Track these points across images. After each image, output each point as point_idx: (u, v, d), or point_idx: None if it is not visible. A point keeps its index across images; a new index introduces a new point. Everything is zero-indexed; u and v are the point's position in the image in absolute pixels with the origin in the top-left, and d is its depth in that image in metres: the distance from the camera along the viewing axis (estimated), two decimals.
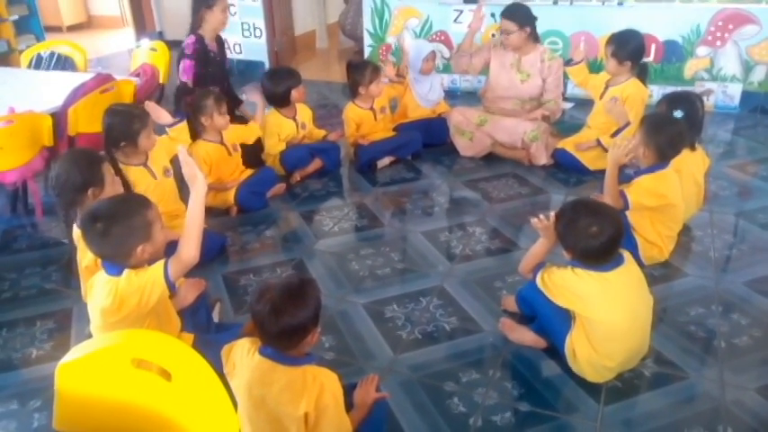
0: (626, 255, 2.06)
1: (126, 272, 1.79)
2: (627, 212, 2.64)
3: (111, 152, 2.65)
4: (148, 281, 1.77)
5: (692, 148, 2.87)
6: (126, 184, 2.59)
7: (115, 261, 1.83)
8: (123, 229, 1.79)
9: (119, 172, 2.58)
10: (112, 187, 2.28)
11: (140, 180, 2.71)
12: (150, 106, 2.90)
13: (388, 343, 2.29)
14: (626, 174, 2.81)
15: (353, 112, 3.89)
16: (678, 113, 2.82)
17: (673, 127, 2.65)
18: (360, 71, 3.81)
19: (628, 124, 3.44)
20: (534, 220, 2.17)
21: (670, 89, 4.33)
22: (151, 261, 1.90)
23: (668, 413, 1.95)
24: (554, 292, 2.05)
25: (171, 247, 1.94)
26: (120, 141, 2.65)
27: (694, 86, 4.78)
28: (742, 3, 4.52)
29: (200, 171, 1.86)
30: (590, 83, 3.79)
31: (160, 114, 2.92)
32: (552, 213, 2.13)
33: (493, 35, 3.96)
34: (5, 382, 2.15)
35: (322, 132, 3.90)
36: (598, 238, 1.94)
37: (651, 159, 2.64)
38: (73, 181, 2.18)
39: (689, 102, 2.93)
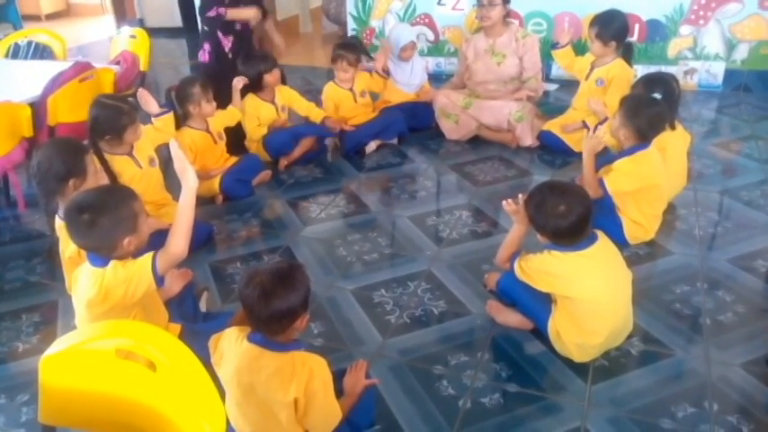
0: (599, 233, 2.08)
1: (112, 263, 1.77)
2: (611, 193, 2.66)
3: (95, 143, 2.61)
4: (135, 273, 1.76)
5: (672, 127, 2.88)
6: (111, 173, 2.56)
7: (101, 253, 1.81)
8: (110, 220, 1.76)
9: (104, 162, 2.55)
10: (95, 178, 2.25)
11: (125, 169, 2.67)
12: (142, 94, 2.87)
13: (377, 328, 2.29)
14: (610, 155, 2.81)
15: (331, 90, 3.90)
16: (657, 95, 2.82)
17: (652, 107, 2.66)
18: (334, 49, 3.89)
19: (607, 119, 3.43)
20: (505, 203, 2.19)
21: (654, 68, 4.36)
22: (135, 252, 1.89)
23: (655, 390, 1.97)
24: (533, 278, 2.06)
25: (157, 237, 1.93)
26: (106, 135, 2.61)
27: (678, 65, 4.79)
28: None
29: (190, 163, 1.84)
30: (576, 66, 3.78)
31: (149, 103, 2.89)
32: (521, 196, 2.16)
33: (476, 16, 3.94)
34: None
35: (320, 113, 3.81)
36: (567, 217, 1.96)
37: (632, 140, 2.64)
38: (55, 170, 2.14)
39: (665, 82, 2.93)
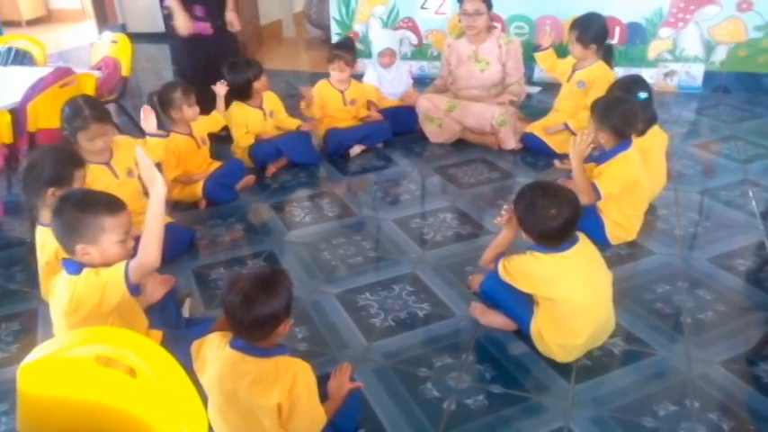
0: (580, 234, 2.09)
1: (85, 270, 1.74)
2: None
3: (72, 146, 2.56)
4: (108, 281, 1.72)
5: (655, 121, 2.91)
6: None
7: (65, 251, 1.79)
8: (72, 218, 1.73)
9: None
10: None
11: (99, 178, 2.59)
12: (145, 111, 2.79)
13: (362, 331, 2.29)
14: (591, 156, 2.83)
15: (322, 86, 3.91)
16: (643, 94, 2.85)
17: (621, 105, 2.68)
18: (331, 49, 3.91)
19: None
20: (497, 220, 2.23)
21: (634, 71, 4.41)
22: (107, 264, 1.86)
23: (637, 389, 1.99)
24: (516, 279, 2.08)
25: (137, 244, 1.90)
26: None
27: (657, 67, 4.85)
28: None
29: (160, 172, 1.81)
30: (558, 68, 3.82)
31: (148, 120, 2.81)
32: (506, 207, 2.19)
33: (459, 21, 3.96)
34: None
35: (295, 122, 3.82)
36: (557, 219, 1.97)
37: (612, 141, 2.66)
38: (37, 174, 2.12)
39: (643, 82, 2.97)
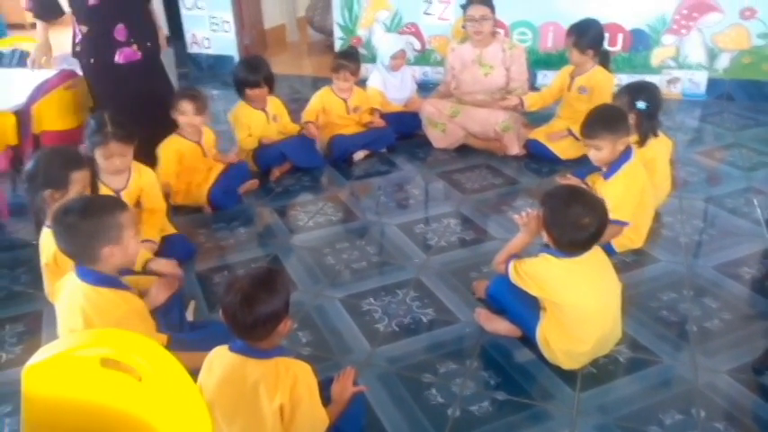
0: None
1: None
2: None
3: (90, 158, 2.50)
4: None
5: (655, 134, 2.90)
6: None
7: (84, 262, 1.79)
8: (91, 226, 1.75)
9: (94, 176, 2.46)
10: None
11: None
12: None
13: (366, 336, 2.28)
14: (591, 165, 2.81)
15: (325, 94, 3.89)
16: (641, 104, 2.84)
17: (609, 109, 2.72)
18: (334, 57, 3.87)
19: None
20: (517, 217, 2.20)
21: (638, 77, 4.39)
22: (121, 269, 1.87)
23: (643, 398, 1.98)
24: (526, 282, 2.07)
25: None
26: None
27: (661, 74, 4.85)
28: None
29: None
30: (554, 86, 3.82)
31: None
32: (530, 209, 2.16)
33: (463, 27, 3.97)
34: None
35: (297, 127, 3.81)
36: (588, 229, 1.94)
37: (618, 149, 2.61)
38: (34, 175, 2.12)
39: (649, 91, 2.96)
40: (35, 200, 2.15)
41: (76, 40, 3.14)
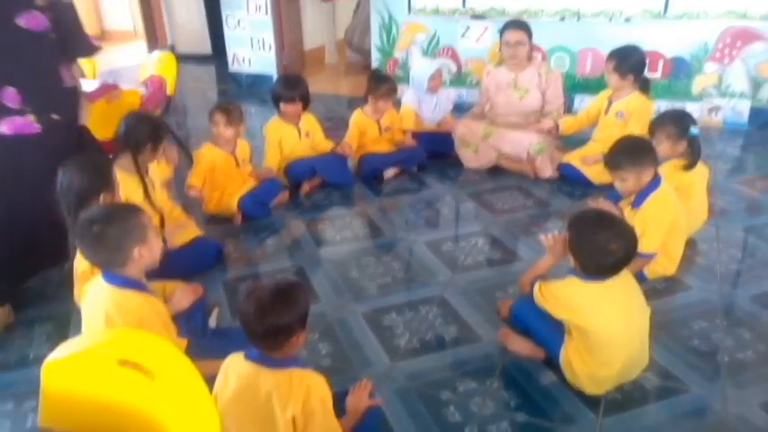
0: None
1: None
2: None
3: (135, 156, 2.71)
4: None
5: (694, 164, 2.84)
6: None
7: (113, 268, 1.83)
8: (119, 230, 1.80)
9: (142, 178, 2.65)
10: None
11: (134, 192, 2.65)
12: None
13: (386, 351, 2.26)
14: (614, 192, 2.76)
15: (359, 118, 3.91)
16: (695, 129, 2.79)
17: (635, 140, 2.67)
18: (376, 82, 3.86)
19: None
20: (543, 238, 2.17)
21: (678, 105, 4.34)
22: (149, 269, 1.91)
23: (668, 427, 1.91)
24: (551, 304, 2.02)
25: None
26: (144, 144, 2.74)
27: (702, 102, 4.76)
28: (750, 20, 4.50)
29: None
30: (591, 109, 3.79)
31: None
32: (557, 232, 2.13)
33: (500, 50, 3.98)
34: (2, 382, 2.16)
35: (330, 144, 3.85)
36: (616, 254, 1.90)
37: (644, 180, 2.55)
38: (76, 187, 2.17)
39: (690, 117, 2.90)
40: (72, 208, 2.19)
41: None
